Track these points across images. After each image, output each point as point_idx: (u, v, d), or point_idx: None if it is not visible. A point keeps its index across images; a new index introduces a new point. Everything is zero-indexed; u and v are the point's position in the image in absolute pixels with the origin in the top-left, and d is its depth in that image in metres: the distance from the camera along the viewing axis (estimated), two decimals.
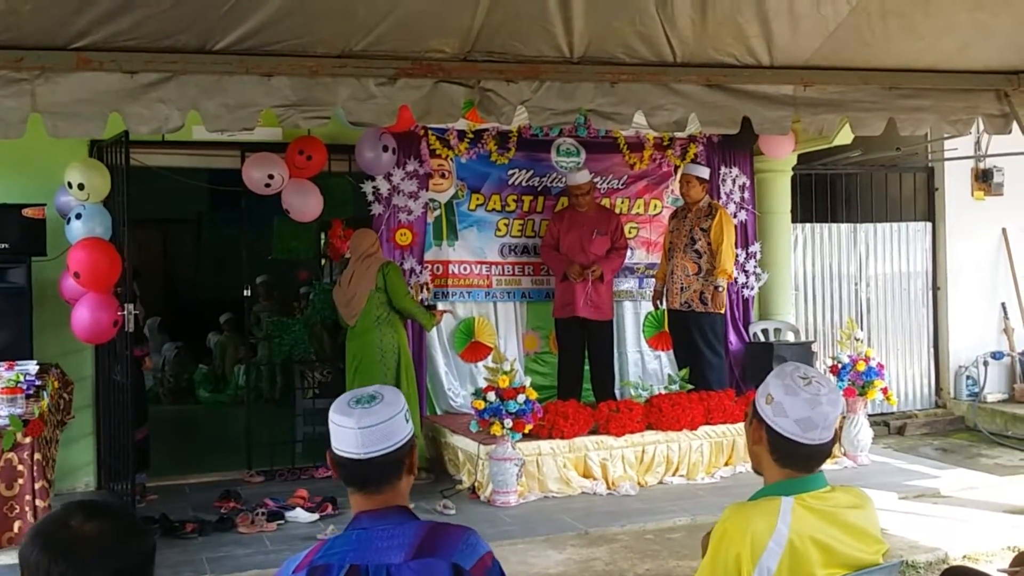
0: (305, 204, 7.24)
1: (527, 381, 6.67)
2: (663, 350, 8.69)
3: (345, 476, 2.21)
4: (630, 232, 8.43)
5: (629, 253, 8.21)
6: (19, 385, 4.91)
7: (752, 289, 8.90)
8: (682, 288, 7.87)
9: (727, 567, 2.35)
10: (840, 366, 7.75)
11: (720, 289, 7.76)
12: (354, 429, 2.14)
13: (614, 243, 7.90)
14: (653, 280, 8.55)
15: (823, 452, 2.48)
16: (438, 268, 8.03)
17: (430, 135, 7.86)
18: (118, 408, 6.55)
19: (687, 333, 7.91)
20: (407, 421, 2.22)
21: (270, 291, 11.29)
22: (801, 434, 2.42)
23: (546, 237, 8.05)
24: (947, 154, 9.51)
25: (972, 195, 9.77)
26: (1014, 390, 9.64)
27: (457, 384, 8.07)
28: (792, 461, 2.46)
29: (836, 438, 2.53)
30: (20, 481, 4.41)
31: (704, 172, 8.04)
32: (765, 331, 8.85)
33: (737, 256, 8.55)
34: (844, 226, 9.59)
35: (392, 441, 2.17)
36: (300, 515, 6.23)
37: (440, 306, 7.81)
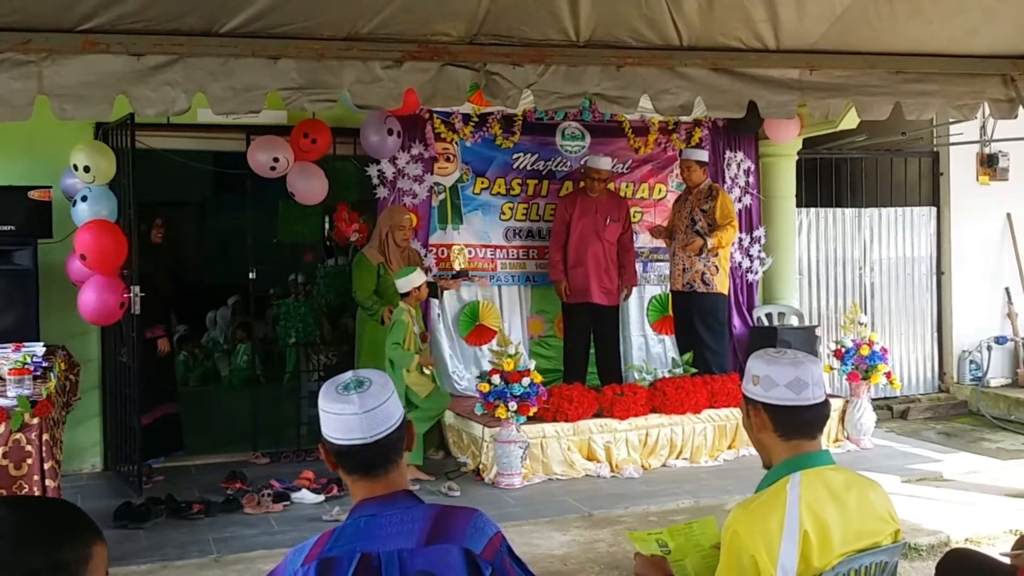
0: (310, 187, 7.25)
1: (532, 364, 6.70)
2: (667, 334, 8.68)
3: (349, 464, 2.19)
4: (634, 216, 8.43)
5: (634, 237, 8.20)
6: (27, 366, 4.93)
7: (756, 273, 8.90)
8: (684, 269, 7.87)
9: (743, 570, 2.35)
10: (844, 350, 7.77)
11: (707, 246, 7.63)
12: (358, 415, 2.14)
13: (624, 230, 7.92)
14: (657, 264, 8.59)
15: (821, 414, 2.54)
16: (443, 252, 8.03)
17: (435, 119, 7.85)
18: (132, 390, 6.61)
19: (688, 315, 7.90)
20: (398, 399, 2.24)
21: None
22: (796, 397, 2.48)
23: (556, 225, 7.97)
24: (952, 139, 9.50)
25: (977, 180, 9.77)
26: (1017, 375, 9.67)
27: (462, 367, 8.08)
28: (795, 429, 2.51)
29: (829, 407, 2.56)
30: (29, 461, 4.43)
31: (703, 155, 8.03)
32: (769, 315, 8.85)
33: (741, 239, 8.57)
34: (849, 211, 9.58)
35: (393, 420, 2.18)
36: (306, 496, 6.27)
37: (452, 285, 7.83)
